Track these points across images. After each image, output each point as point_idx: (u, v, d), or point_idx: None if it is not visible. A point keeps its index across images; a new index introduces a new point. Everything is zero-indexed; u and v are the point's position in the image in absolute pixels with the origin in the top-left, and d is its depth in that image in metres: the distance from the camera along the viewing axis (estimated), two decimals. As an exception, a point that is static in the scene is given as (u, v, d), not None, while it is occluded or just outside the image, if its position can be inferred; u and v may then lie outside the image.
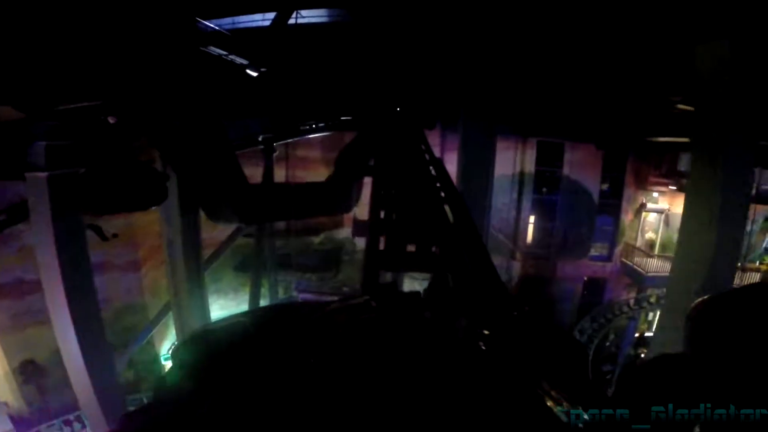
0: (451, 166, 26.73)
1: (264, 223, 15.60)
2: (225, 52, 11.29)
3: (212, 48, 10.91)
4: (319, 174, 24.51)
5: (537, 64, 15.64)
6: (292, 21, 12.25)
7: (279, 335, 2.87)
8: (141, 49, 7.42)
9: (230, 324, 3.14)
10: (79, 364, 11.76)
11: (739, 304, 3.14)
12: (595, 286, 27.77)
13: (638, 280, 26.08)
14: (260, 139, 15.97)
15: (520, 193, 26.11)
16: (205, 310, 16.71)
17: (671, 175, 26.94)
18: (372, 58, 15.59)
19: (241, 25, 12.46)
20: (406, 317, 3.28)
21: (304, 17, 12.62)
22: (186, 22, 9.31)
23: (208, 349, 2.78)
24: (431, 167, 9.84)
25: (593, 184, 26.17)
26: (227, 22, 11.85)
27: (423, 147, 11.74)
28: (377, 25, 13.46)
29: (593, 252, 27.46)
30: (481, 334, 3.09)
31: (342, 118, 17.62)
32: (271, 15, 12.28)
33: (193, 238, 14.95)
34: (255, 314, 4.53)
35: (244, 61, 11.78)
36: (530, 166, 25.81)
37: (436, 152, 24.64)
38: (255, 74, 12.37)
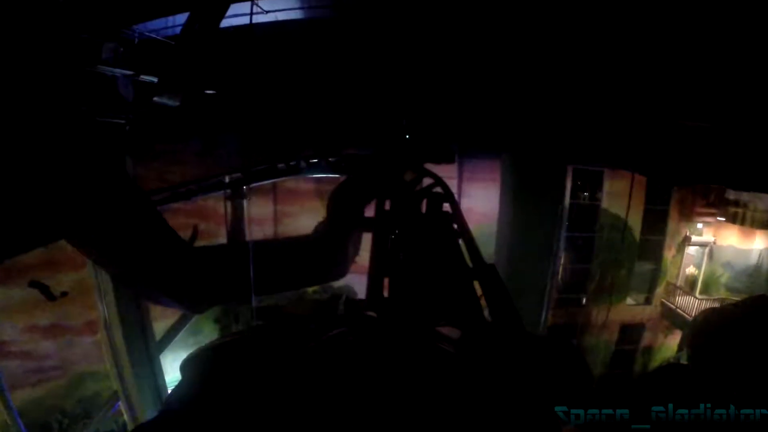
0: (472, 200, 23.74)
1: (225, 305, 11.97)
2: (131, 72, 7.83)
3: (105, 68, 7.51)
4: (312, 210, 21.56)
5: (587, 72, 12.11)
6: (235, 20, 8.71)
7: (282, 351, 2.79)
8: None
9: (240, 339, 3.19)
10: None
11: (738, 315, 4.68)
12: (631, 333, 24.59)
13: (682, 326, 22.85)
14: (226, 181, 12.48)
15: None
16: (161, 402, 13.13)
17: (719, 204, 24.15)
18: (369, 68, 12.18)
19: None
20: (413, 332, 3.23)
21: (265, 12, 9.01)
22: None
23: (217, 365, 2.78)
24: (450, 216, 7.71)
25: (634, 217, 22.70)
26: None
27: (441, 191, 9.09)
28: (375, 20, 9.95)
29: (631, 294, 24.19)
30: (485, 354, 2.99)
31: (330, 157, 14.04)
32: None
33: (135, 317, 11.34)
34: (266, 328, 3.69)
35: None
36: (564, 199, 22.15)
37: (453, 185, 21.64)
38: (174, 104, 8.70)
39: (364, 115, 14.67)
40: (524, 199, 15.24)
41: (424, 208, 7.93)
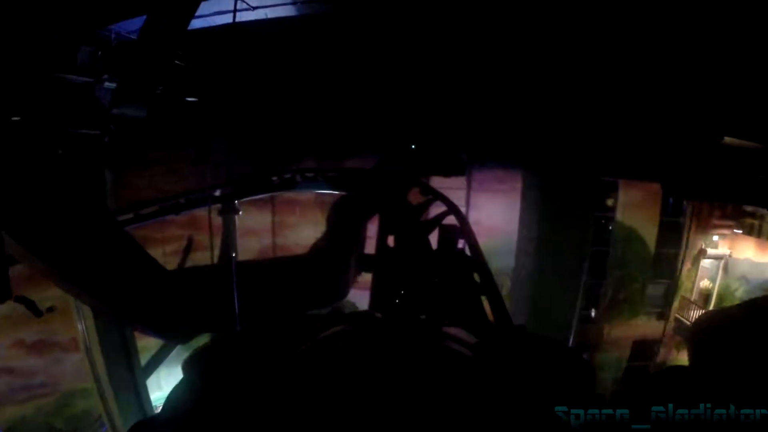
0: (481, 212, 22.73)
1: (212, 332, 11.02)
2: (91, 79, 7.02)
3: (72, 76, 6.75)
4: (313, 221, 20.66)
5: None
6: (219, 19, 7.81)
7: (283, 349, 2.77)
8: None
9: (243, 337, 3.24)
10: None
11: (739, 316, 4.95)
12: (643, 349, 23.79)
13: (696, 342, 21.82)
14: (217, 194, 11.55)
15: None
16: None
17: (736, 216, 23.23)
18: (371, 69, 11.28)
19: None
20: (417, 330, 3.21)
21: (252, 8, 8.04)
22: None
23: (219, 364, 2.78)
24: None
25: (649, 230, 21.77)
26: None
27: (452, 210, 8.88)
28: (378, 15, 9.02)
29: (645, 310, 23.21)
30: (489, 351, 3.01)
31: (329, 172, 13.10)
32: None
33: (117, 341, 10.44)
34: (268, 325, 3.55)
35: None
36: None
37: (461, 196, 20.71)
38: (139, 116, 7.76)
39: (366, 122, 13.82)
40: (552, 215, 14.47)
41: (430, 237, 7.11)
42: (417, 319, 3.76)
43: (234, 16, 6.79)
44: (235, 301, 7.23)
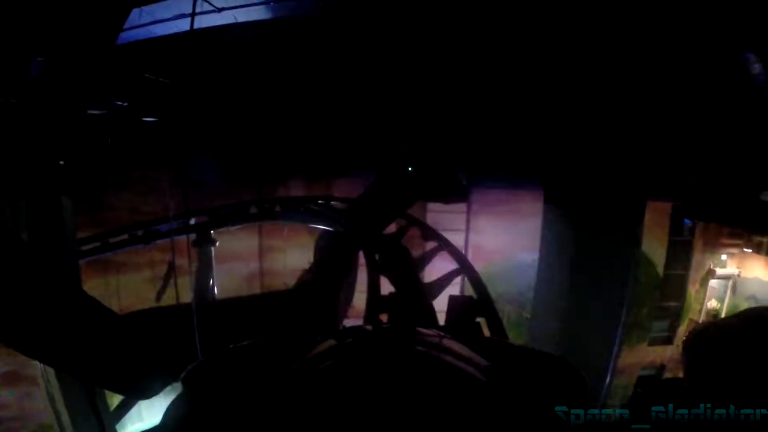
0: (481, 235, 21.78)
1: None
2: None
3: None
4: (302, 245, 19.74)
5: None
6: (182, 24, 6.84)
7: (284, 364, 2.74)
8: None
9: (243, 352, 3.11)
10: None
11: (736, 327, 4.69)
12: (650, 375, 22.66)
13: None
14: (192, 222, 10.62)
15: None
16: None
17: (745, 234, 22.44)
18: (359, 80, 10.43)
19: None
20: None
21: (218, 10, 7.04)
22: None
23: (219, 379, 2.74)
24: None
25: (658, 251, 21.00)
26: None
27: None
28: (368, 18, 8.15)
29: (652, 334, 22.35)
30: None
31: (311, 204, 12.22)
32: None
33: (81, 388, 9.39)
34: (270, 340, 3.50)
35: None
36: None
37: (462, 219, 19.81)
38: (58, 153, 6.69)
39: (357, 138, 12.99)
40: (587, 238, 13.55)
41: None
42: (411, 332, 3.53)
43: (192, 20, 5.72)
44: (197, 347, 6.27)
